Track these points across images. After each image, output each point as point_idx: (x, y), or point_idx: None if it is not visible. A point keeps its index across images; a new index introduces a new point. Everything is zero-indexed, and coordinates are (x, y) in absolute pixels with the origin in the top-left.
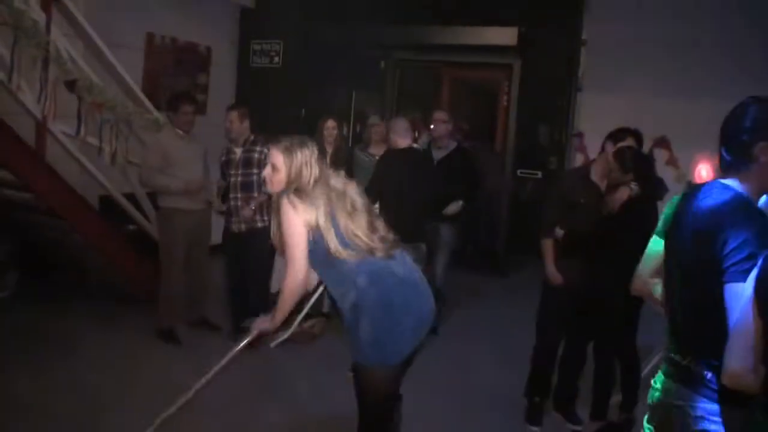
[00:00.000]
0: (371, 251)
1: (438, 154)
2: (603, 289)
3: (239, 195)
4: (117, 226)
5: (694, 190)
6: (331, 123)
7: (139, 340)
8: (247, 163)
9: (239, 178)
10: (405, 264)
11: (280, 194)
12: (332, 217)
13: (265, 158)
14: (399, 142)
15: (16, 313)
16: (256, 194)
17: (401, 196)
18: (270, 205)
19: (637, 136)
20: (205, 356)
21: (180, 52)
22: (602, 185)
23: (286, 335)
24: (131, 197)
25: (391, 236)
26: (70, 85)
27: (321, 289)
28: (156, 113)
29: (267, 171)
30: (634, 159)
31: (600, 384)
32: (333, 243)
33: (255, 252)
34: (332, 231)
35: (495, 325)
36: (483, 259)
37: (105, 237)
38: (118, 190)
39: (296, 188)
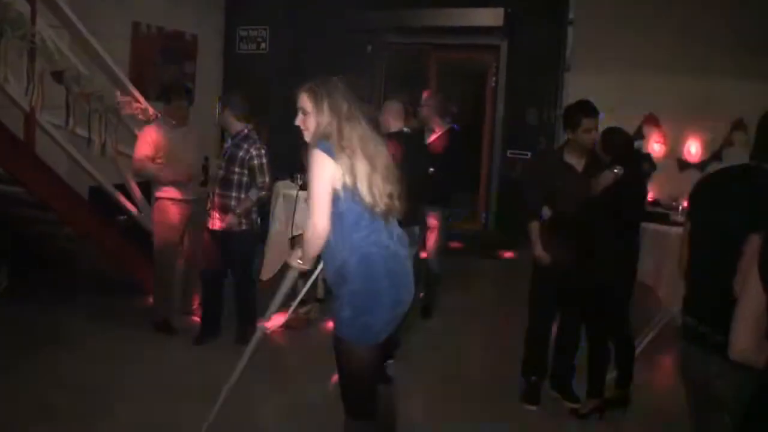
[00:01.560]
0: (375, 207)
1: (427, 137)
2: (592, 270)
3: (218, 190)
4: (108, 217)
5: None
6: None
7: (135, 331)
8: (231, 159)
9: (221, 172)
10: (395, 239)
11: (311, 144)
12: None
13: (249, 159)
14: (392, 125)
15: (10, 307)
16: (234, 194)
17: None
18: (251, 211)
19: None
20: (201, 345)
21: (166, 40)
22: (578, 166)
23: (281, 321)
24: (121, 188)
25: (397, 204)
26: (58, 76)
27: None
28: (144, 102)
29: (299, 118)
30: (619, 141)
31: (595, 362)
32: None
33: (234, 254)
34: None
35: (489, 306)
36: (474, 240)
37: (96, 228)
38: (108, 180)
39: (327, 134)
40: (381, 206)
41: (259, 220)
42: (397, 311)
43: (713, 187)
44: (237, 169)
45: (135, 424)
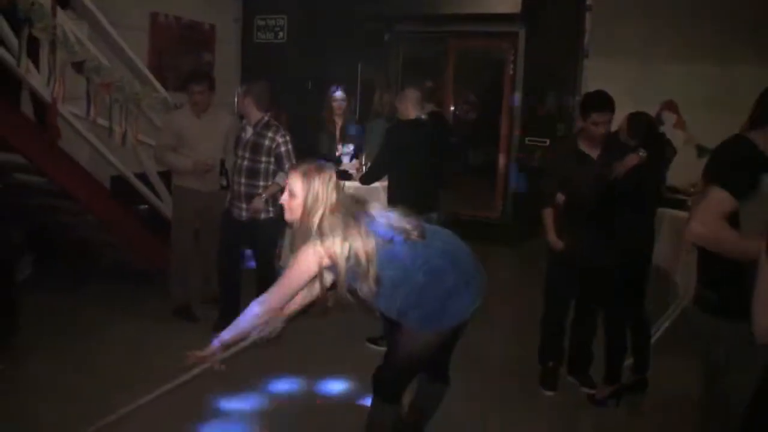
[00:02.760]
0: (407, 233)
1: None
2: (607, 254)
3: (243, 180)
4: (129, 206)
5: None
6: (339, 95)
7: (156, 319)
8: (256, 148)
9: (245, 162)
10: (439, 236)
11: (306, 238)
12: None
13: (276, 147)
14: (411, 113)
15: (33, 295)
16: (261, 183)
17: (414, 166)
18: (275, 196)
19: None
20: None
21: (184, 30)
22: (592, 154)
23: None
24: (143, 177)
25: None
26: (78, 67)
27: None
28: (163, 92)
29: (284, 197)
30: (645, 126)
31: (612, 348)
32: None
33: (261, 243)
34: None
35: (506, 292)
36: (491, 228)
37: (118, 217)
38: (130, 170)
39: (319, 230)
40: (412, 232)
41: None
42: (461, 308)
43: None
44: (264, 158)
45: (154, 408)
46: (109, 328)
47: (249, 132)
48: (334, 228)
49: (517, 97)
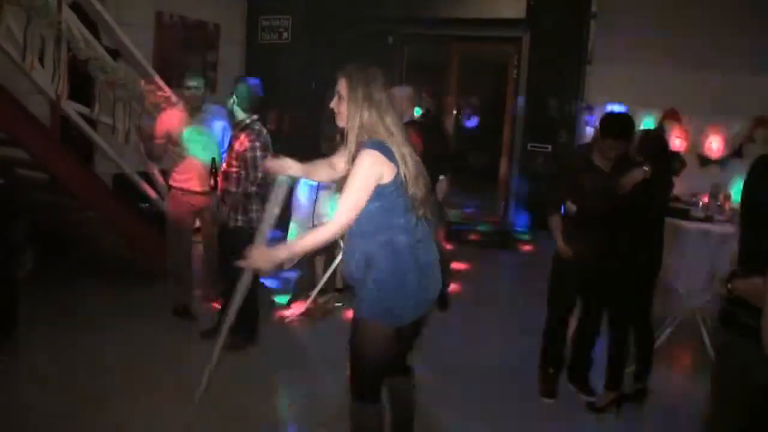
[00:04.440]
0: (416, 200)
1: None
2: (614, 263)
3: (222, 183)
4: (131, 204)
5: None
6: None
7: (156, 317)
8: (230, 151)
9: (225, 166)
10: (425, 234)
11: (359, 145)
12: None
13: (244, 151)
14: (405, 113)
15: (34, 291)
16: (233, 188)
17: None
18: (244, 205)
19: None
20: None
21: (189, 30)
22: (605, 167)
23: (301, 310)
24: (145, 175)
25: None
26: (83, 64)
27: (335, 265)
28: (168, 91)
29: (334, 101)
30: (653, 145)
31: (614, 355)
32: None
33: (235, 252)
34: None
35: (507, 298)
36: (493, 234)
37: (119, 215)
38: (132, 168)
39: (372, 129)
40: (420, 195)
41: (258, 217)
42: (422, 301)
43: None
44: (234, 162)
45: (152, 405)
46: (109, 325)
47: (230, 134)
48: (394, 131)
49: (520, 101)
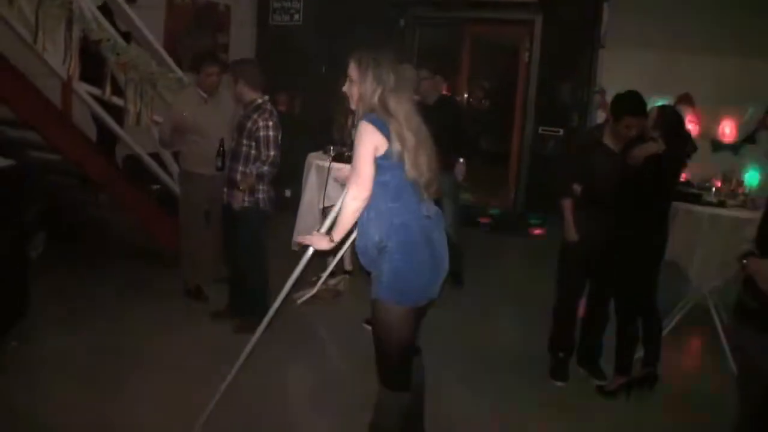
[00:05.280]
0: (418, 180)
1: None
2: (621, 246)
3: (228, 163)
4: (142, 186)
5: None
6: None
7: (168, 299)
8: (239, 130)
9: (233, 145)
10: (433, 214)
11: (358, 116)
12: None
13: (256, 130)
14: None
15: (45, 273)
16: (240, 168)
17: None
18: (257, 188)
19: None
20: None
21: (200, 11)
22: (615, 148)
23: (311, 293)
24: (156, 157)
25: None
26: (95, 45)
27: (346, 246)
28: (179, 72)
29: (346, 85)
30: (670, 118)
31: (623, 340)
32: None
33: (243, 234)
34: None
35: (517, 282)
36: (503, 217)
37: (130, 196)
38: (143, 150)
39: (372, 106)
40: (424, 179)
41: (266, 198)
42: (435, 280)
43: None
44: (245, 141)
45: (165, 387)
46: (121, 307)
47: (240, 114)
48: (396, 110)
49: (532, 85)
